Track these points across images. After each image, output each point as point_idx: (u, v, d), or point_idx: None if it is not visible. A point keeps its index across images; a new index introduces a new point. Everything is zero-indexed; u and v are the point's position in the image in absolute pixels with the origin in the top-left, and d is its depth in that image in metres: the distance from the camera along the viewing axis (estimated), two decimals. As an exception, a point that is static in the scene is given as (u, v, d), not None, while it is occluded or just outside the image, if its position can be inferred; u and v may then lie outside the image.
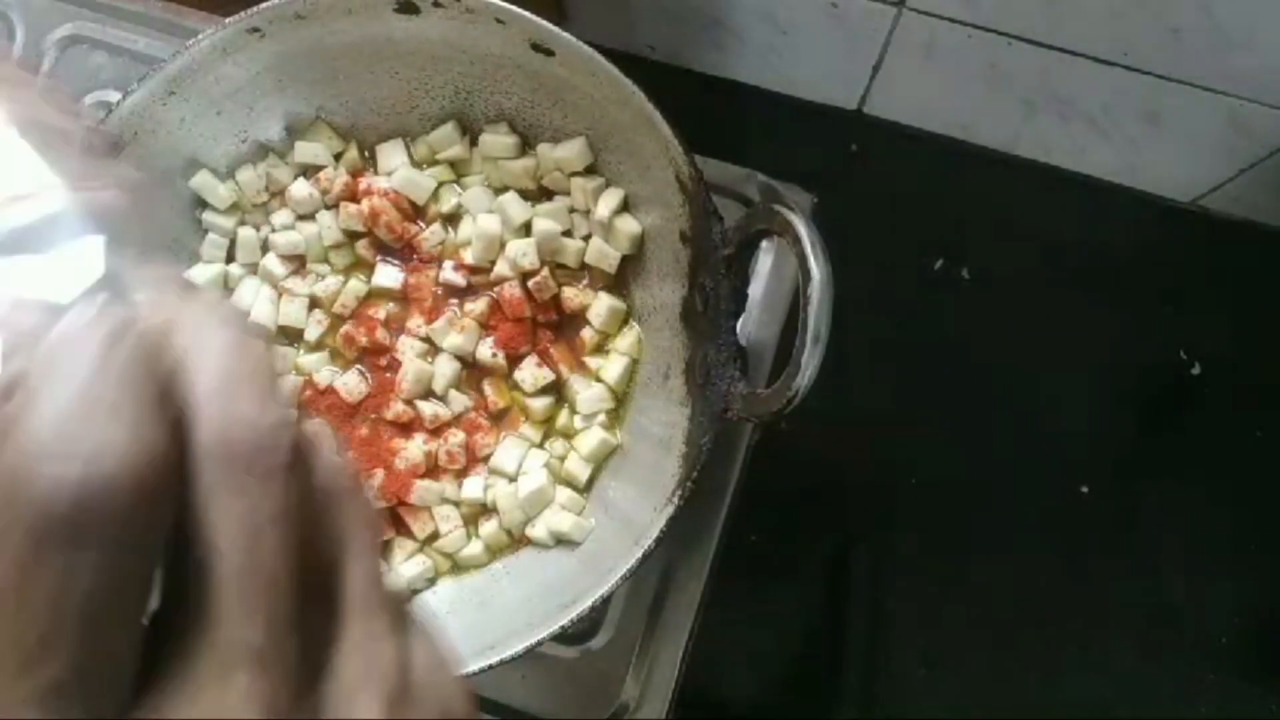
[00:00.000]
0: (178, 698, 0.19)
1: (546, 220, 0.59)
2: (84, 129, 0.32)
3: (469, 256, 0.60)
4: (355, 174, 0.62)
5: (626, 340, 0.60)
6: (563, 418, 0.61)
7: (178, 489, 0.19)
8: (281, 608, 0.20)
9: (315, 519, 0.21)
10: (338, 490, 0.22)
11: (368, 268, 0.62)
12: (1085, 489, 0.90)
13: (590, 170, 0.60)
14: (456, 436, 0.59)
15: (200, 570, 0.20)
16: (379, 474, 0.59)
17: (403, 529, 0.60)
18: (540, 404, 0.60)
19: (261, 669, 0.19)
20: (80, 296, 0.22)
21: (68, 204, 0.26)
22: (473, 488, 0.59)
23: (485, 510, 0.60)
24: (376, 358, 0.61)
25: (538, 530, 0.59)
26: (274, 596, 0.20)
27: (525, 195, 0.61)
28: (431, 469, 0.60)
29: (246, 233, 0.62)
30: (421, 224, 0.62)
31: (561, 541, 0.59)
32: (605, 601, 0.56)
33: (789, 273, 0.66)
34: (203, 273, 0.61)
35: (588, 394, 0.60)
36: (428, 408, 0.60)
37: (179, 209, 0.61)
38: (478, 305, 0.60)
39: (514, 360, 0.60)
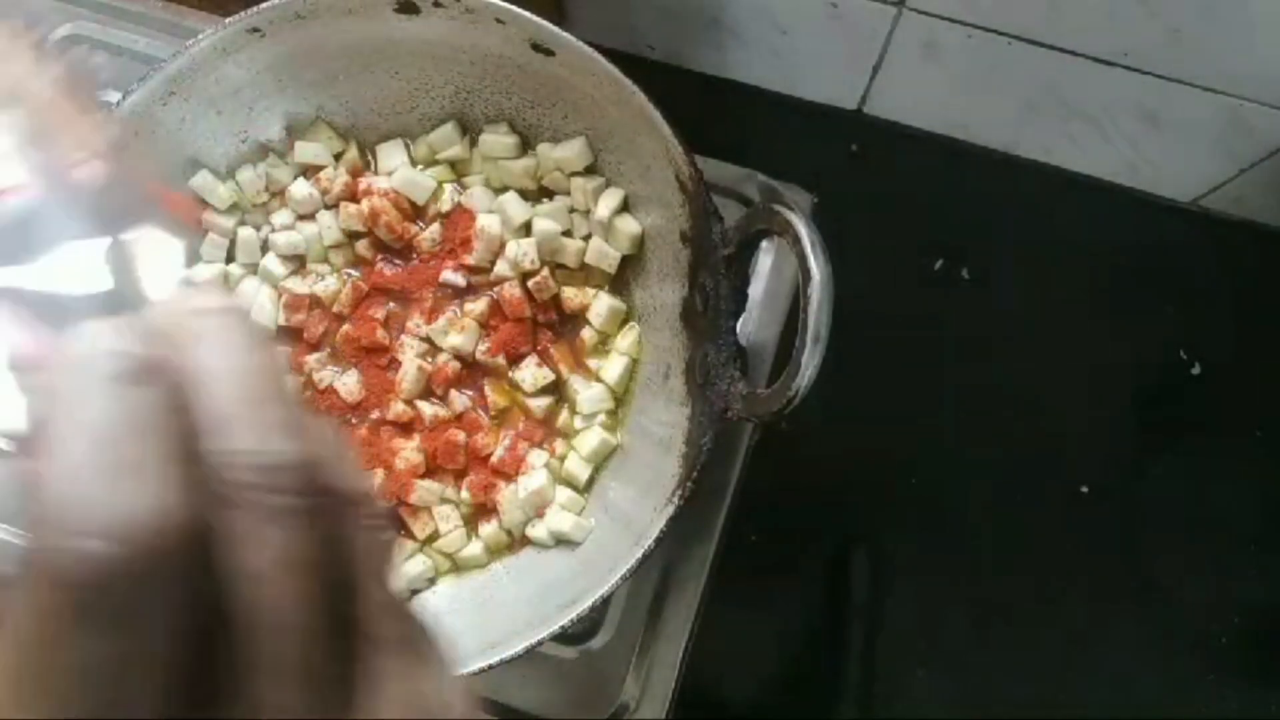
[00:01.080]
0: None
1: (546, 220, 0.59)
2: (60, 74, 0.31)
3: (469, 257, 0.60)
4: (355, 174, 0.62)
5: (626, 340, 0.60)
6: (563, 418, 0.61)
7: (203, 551, 0.19)
8: (310, 660, 0.19)
9: (333, 543, 0.20)
10: (351, 510, 0.21)
11: (368, 267, 0.62)
12: (1085, 489, 0.90)
13: (590, 170, 0.60)
14: (457, 436, 0.59)
15: (226, 623, 0.19)
16: (379, 474, 0.59)
17: (403, 529, 0.60)
18: (540, 404, 0.60)
19: None
20: (89, 311, 0.22)
21: (53, 193, 0.25)
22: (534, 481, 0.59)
23: (485, 510, 0.60)
24: (376, 358, 0.61)
25: (538, 530, 0.59)
26: (302, 651, 0.19)
27: (525, 195, 0.61)
28: (431, 469, 0.60)
29: (246, 233, 0.62)
30: (421, 224, 0.62)
31: (561, 542, 0.59)
32: (605, 601, 0.56)
33: (789, 273, 0.66)
34: (203, 273, 0.61)
35: (588, 394, 0.60)
36: (428, 408, 0.60)
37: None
38: (478, 305, 0.60)
39: (514, 360, 0.60)
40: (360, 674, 0.21)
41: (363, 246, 0.62)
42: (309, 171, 0.62)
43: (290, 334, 0.61)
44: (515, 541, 0.60)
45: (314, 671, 0.19)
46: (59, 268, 0.24)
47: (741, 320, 0.52)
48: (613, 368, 0.60)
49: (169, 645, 0.18)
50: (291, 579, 0.19)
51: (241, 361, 0.20)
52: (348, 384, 0.60)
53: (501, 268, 0.60)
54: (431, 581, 0.60)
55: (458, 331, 0.59)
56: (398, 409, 0.60)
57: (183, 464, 0.19)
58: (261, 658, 0.19)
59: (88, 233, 0.25)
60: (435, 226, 0.61)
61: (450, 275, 0.60)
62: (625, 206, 0.60)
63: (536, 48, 0.55)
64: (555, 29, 0.53)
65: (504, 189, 0.61)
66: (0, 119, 0.27)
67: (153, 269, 0.25)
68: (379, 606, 0.21)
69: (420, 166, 0.63)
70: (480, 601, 0.59)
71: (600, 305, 0.60)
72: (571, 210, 0.61)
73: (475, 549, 0.59)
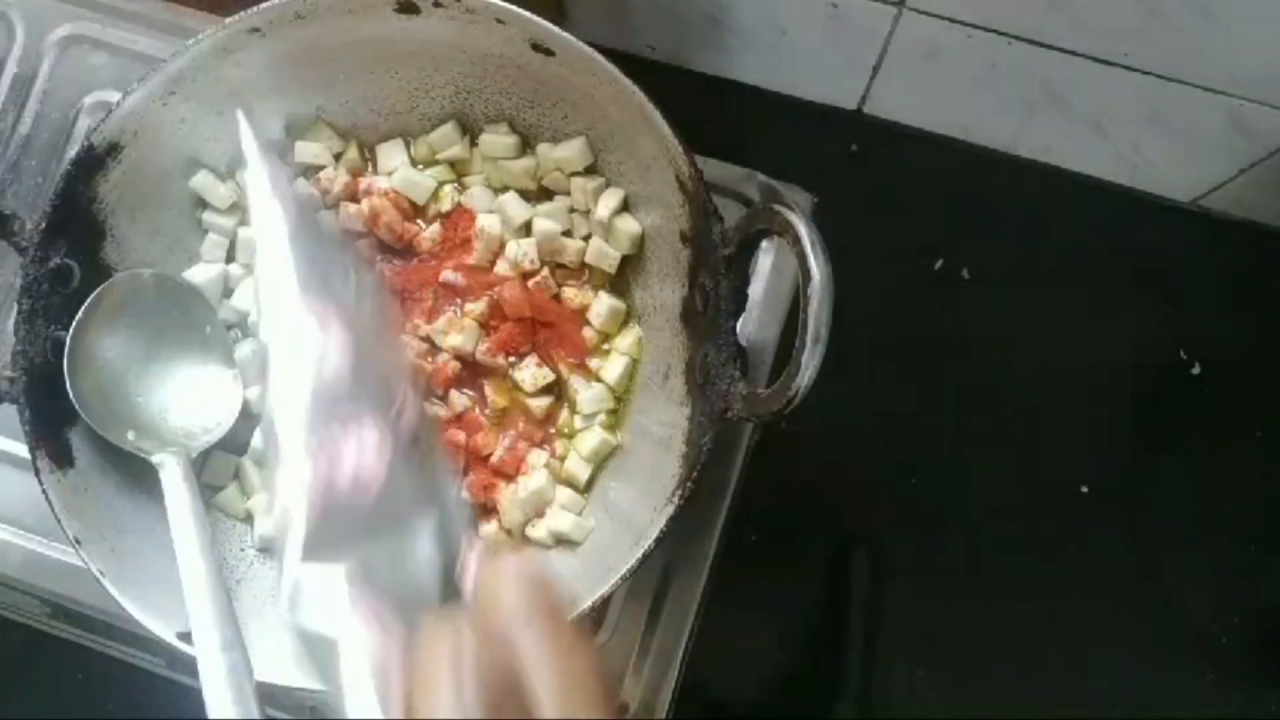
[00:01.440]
0: None
1: (546, 220, 0.59)
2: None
3: (469, 257, 0.60)
4: (355, 174, 0.62)
5: (626, 340, 0.60)
6: (563, 417, 0.61)
7: None
8: None
9: None
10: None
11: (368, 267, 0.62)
12: (1085, 489, 0.90)
13: (590, 170, 0.60)
14: (457, 436, 0.59)
15: None
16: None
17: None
18: (540, 404, 0.60)
19: None
20: (428, 597, 0.27)
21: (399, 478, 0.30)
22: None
23: (485, 510, 0.60)
24: (376, 358, 0.61)
25: (538, 530, 0.59)
26: None
27: (525, 195, 0.61)
28: (431, 469, 0.60)
29: (247, 233, 0.62)
30: (421, 224, 0.62)
31: (561, 541, 0.59)
32: (605, 601, 0.56)
33: (789, 273, 0.66)
34: (203, 273, 0.61)
35: (588, 394, 0.60)
36: (427, 408, 0.60)
37: (179, 209, 0.61)
38: (478, 305, 0.60)
39: (514, 360, 0.60)
40: None
41: (363, 246, 0.61)
42: (309, 171, 0.62)
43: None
44: (515, 541, 0.60)
45: None
46: (407, 548, 0.29)
47: (741, 320, 0.52)
48: (613, 368, 0.60)
49: None
50: None
51: (556, 647, 0.24)
52: (348, 384, 0.60)
53: (501, 268, 0.60)
54: (431, 581, 0.60)
55: (458, 331, 0.59)
56: (398, 409, 0.60)
57: None
58: None
59: (426, 512, 0.30)
60: (435, 226, 0.61)
61: (450, 275, 0.60)
62: (625, 206, 0.60)
63: (536, 48, 0.55)
64: (555, 29, 0.53)
65: (504, 189, 0.61)
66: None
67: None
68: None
69: (420, 166, 0.63)
70: (480, 601, 0.59)
71: (600, 305, 0.60)
72: (571, 210, 0.61)
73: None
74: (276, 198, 0.40)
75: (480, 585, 0.27)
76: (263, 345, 0.36)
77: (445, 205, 0.61)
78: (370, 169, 0.63)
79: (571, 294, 0.60)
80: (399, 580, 0.29)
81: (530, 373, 0.60)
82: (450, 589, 0.29)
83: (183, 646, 0.50)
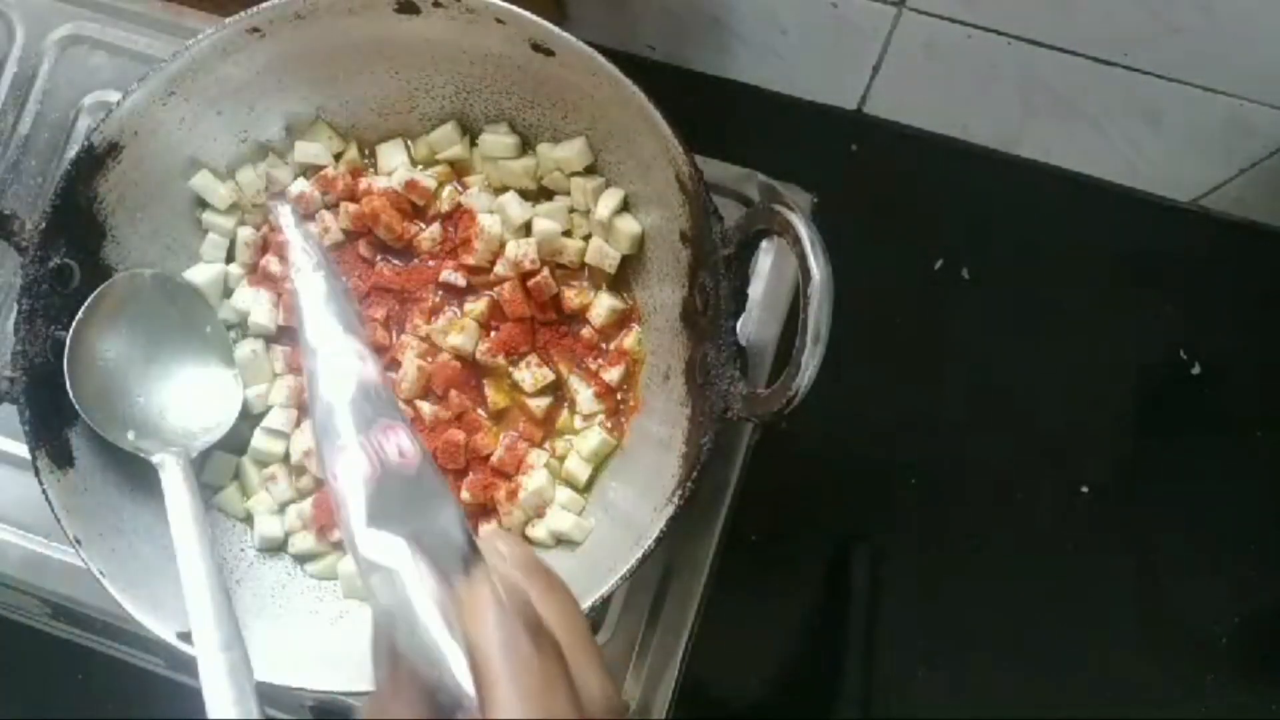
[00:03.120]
0: None
1: (546, 220, 0.59)
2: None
3: (469, 257, 0.60)
4: (355, 174, 0.62)
5: (627, 340, 0.60)
6: (563, 417, 0.61)
7: None
8: None
9: None
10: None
11: (368, 267, 0.62)
12: (1085, 489, 0.90)
13: (590, 170, 0.60)
14: (457, 436, 0.59)
15: None
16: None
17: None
18: (540, 404, 0.60)
19: None
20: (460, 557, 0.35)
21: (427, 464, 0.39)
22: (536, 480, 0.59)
23: (485, 510, 0.60)
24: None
25: (538, 530, 0.59)
26: None
27: (525, 195, 0.61)
28: (431, 469, 0.60)
29: (246, 233, 0.62)
30: (421, 224, 0.62)
31: (562, 541, 0.59)
32: (605, 601, 0.56)
33: (789, 273, 0.66)
34: (203, 273, 0.61)
35: (587, 394, 0.60)
36: (427, 408, 0.60)
37: (179, 209, 0.61)
38: (478, 305, 0.60)
39: (514, 360, 0.60)
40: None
41: (363, 246, 0.62)
42: (309, 171, 0.62)
43: (290, 334, 0.61)
44: (515, 541, 0.60)
45: None
46: (436, 520, 0.36)
47: (741, 320, 0.52)
48: (613, 368, 0.60)
49: None
50: None
51: (560, 599, 0.35)
52: (348, 384, 0.60)
53: (501, 268, 0.60)
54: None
55: (458, 331, 0.59)
56: (398, 409, 0.60)
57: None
58: None
59: (451, 500, 0.38)
60: (435, 226, 0.61)
61: (450, 275, 0.60)
62: (625, 206, 0.60)
63: (536, 48, 0.55)
64: (555, 29, 0.53)
65: (504, 189, 0.61)
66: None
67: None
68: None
69: (420, 166, 0.63)
70: (480, 601, 0.59)
71: (600, 305, 0.60)
72: (571, 210, 0.61)
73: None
74: (319, 264, 0.52)
75: (483, 546, 0.36)
76: (311, 351, 0.46)
77: (445, 205, 0.61)
78: (370, 169, 0.63)
79: (571, 294, 0.60)
80: (439, 541, 0.35)
81: (530, 373, 0.60)
82: (474, 550, 0.36)
83: (183, 646, 0.50)
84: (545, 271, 0.59)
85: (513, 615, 0.32)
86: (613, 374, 0.60)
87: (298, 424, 0.60)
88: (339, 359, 0.45)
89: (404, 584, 0.34)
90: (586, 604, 0.51)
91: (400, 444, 0.39)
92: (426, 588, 0.34)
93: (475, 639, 0.31)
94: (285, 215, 0.57)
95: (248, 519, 0.60)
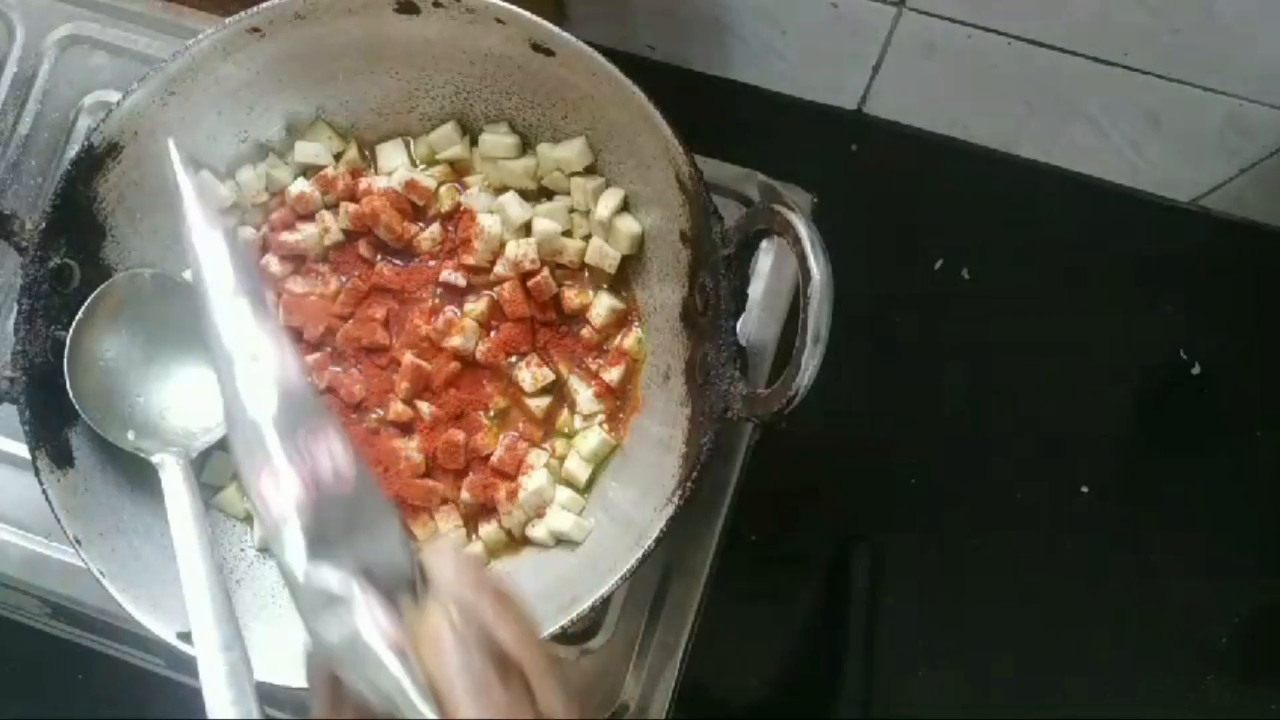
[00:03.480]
0: None
1: (546, 220, 0.59)
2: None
3: (469, 257, 0.60)
4: (355, 174, 0.62)
5: (627, 340, 0.60)
6: (563, 417, 0.61)
7: None
8: None
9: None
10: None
11: (368, 267, 0.62)
12: (1085, 489, 0.90)
13: (590, 170, 0.60)
14: (456, 436, 0.59)
15: None
16: (379, 474, 0.59)
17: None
18: (540, 404, 0.60)
19: None
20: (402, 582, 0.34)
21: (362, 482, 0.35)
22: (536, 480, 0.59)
23: (485, 510, 0.60)
24: (376, 358, 0.61)
25: (538, 530, 0.59)
26: None
27: (525, 195, 0.61)
28: (431, 469, 0.60)
29: (246, 233, 0.62)
30: (421, 224, 0.62)
31: (561, 542, 0.59)
32: (605, 601, 0.56)
33: (789, 273, 0.66)
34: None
35: (587, 394, 0.60)
36: (427, 408, 0.60)
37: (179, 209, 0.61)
38: (478, 305, 0.60)
39: (514, 360, 0.60)
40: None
41: (363, 246, 0.62)
42: (309, 171, 0.62)
43: (290, 334, 0.61)
44: (515, 541, 0.60)
45: None
46: (381, 544, 0.34)
47: (741, 320, 0.52)
48: (613, 368, 0.60)
49: None
50: None
51: (513, 616, 0.34)
52: (348, 384, 0.60)
53: (501, 268, 0.60)
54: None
55: (458, 331, 0.59)
56: (398, 409, 0.60)
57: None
58: None
59: (393, 516, 0.35)
60: (435, 226, 0.61)
61: (450, 275, 0.60)
62: (625, 206, 0.60)
63: (536, 48, 0.55)
64: (555, 29, 0.53)
65: (504, 189, 0.61)
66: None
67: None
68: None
69: (420, 166, 0.63)
70: (480, 601, 0.59)
71: (600, 305, 0.60)
72: (571, 210, 0.61)
73: (475, 549, 0.59)
74: (217, 225, 0.40)
75: (429, 566, 0.34)
76: (226, 358, 0.36)
77: (445, 205, 0.61)
78: (370, 169, 0.63)
79: (571, 294, 0.60)
80: (385, 570, 0.34)
81: (530, 373, 0.60)
82: (421, 574, 0.34)
83: (183, 646, 0.50)
84: (545, 271, 0.59)
85: (470, 643, 0.31)
86: (613, 374, 0.60)
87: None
88: (258, 365, 0.36)
89: (354, 619, 0.32)
90: (586, 604, 0.52)
91: (331, 448, 0.35)
92: (376, 620, 0.32)
93: (433, 671, 0.31)
94: (174, 155, 0.44)
95: (248, 519, 0.60)
